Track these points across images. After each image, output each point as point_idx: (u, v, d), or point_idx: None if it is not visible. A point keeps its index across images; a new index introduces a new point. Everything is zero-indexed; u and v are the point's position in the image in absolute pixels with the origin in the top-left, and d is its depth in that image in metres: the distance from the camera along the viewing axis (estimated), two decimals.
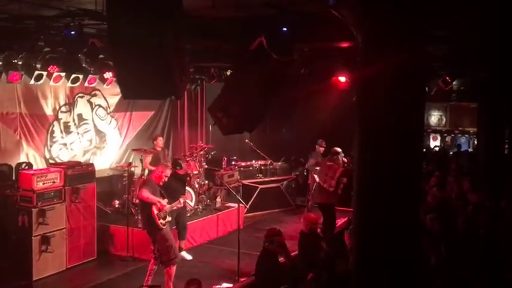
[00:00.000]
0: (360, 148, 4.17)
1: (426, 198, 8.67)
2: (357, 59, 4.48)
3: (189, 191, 9.55)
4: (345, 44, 8.18)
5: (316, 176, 10.93)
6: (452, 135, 17.64)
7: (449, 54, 9.32)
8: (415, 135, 4.11)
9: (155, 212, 7.09)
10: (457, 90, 13.24)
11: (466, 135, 17.36)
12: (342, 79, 11.24)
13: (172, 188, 7.97)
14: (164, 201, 7.24)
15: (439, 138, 17.76)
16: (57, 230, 8.19)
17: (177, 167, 8.57)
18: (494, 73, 10.53)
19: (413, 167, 4.08)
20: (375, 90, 4.01)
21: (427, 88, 10.87)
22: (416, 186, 4.25)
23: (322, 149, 11.24)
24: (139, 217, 8.87)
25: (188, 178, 9.22)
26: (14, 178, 8.86)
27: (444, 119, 17.57)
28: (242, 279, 7.53)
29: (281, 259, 6.40)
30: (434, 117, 17.63)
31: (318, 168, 10.89)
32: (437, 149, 17.13)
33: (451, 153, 15.98)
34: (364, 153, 4.15)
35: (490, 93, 11.13)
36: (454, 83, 11.70)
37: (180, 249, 8.69)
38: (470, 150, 16.50)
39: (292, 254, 7.02)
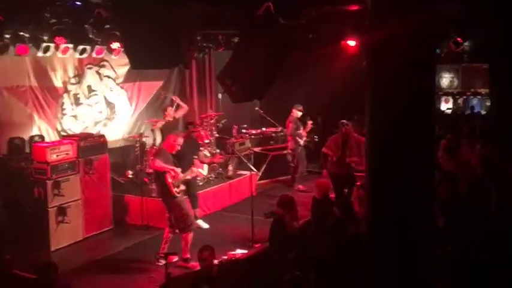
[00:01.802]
0: (371, 112, 4.15)
1: (438, 162, 8.65)
2: (366, 22, 4.41)
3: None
4: (354, 7, 8.03)
5: (299, 140, 11.07)
6: (464, 97, 17.42)
7: (461, 13, 9.11)
8: (427, 98, 4.07)
9: (169, 180, 7.17)
10: (469, 51, 12.97)
11: (479, 97, 17.14)
12: (351, 43, 11.08)
13: (181, 156, 7.97)
14: (178, 170, 7.31)
15: (451, 100, 17.55)
16: (73, 201, 8.33)
17: (189, 126, 8.65)
18: (507, 33, 10.29)
19: (426, 129, 4.05)
20: (385, 53, 3.96)
21: (437, 50, 10.70)
22: (428, 149, 4.23)
23: (300, 114, 11.27)
24: (154, 186, 8.98)
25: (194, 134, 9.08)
26: (27, 151, 8.96)
27: (456, 81, 17.32)
28: (256, 245, 7.64)
29: (295, 224, 6.47)
30: (446, 80, 17.38)
31: (299, 131, 11.03)
32: (449, 111, 16.95)
33: (466, 113, 15.81)
34: (375, 117, 4.13)
35: (502, 53, 10.91)
36: (465, 43, 11.48)
37: (196, 218, 8.80)
38: (483, 112, 16.33)
39: (304, 220, 7.10)
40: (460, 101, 17.51)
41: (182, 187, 7.46)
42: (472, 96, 17.25)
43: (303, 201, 8.05)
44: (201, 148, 10.02)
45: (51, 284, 5.10)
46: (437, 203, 6.09)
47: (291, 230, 6.26)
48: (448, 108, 17.32)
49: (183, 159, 7.95)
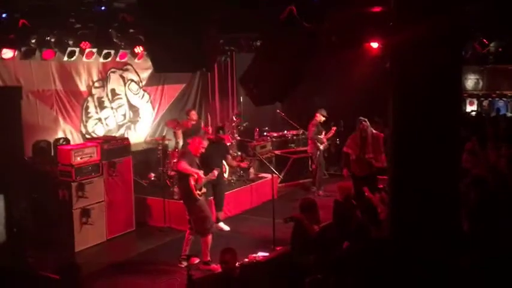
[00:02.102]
0: (395, 115, 4.11)
1: (463, 164, 8.51)
2: (389, 24, 4.37)
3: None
4: (377, 9, 7.96)
5: (319, 144, 10.97)
6: (490, 99, 17.11)
7: (487, 14, 8.96)
8: (453, 100, 4.01)
9: (192, 183, 7.21)
10: (494, 52, 12.74)
11: (504, 99, 16.83)
12: (374, 45, 10.98)
13: (210, 159, 8.09)
14: (201, 173, 7.35)
15: (475, 102, 17.26)
16: (97, 203, 8.43)
17: (220, 131, 8.75)
18: None
19: (451, 132, 4.00)
20: (409, 55, 3.92)
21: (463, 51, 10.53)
22: (453, 152, 4.17)
23: (323, 118, 11.17)
24: (175, 189, 9.05)
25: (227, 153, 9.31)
26: (52, 154, 9.10)
27: (481, 83, 17.03)
28: (278, 248, 7.62)
29: (316, 228, 6.44)
30: (471, 81, 17.09)
31: (320, 136, 10.99)
32: (474, 113, 16.68)
33: (491, 115, 15.53)
34: (398, 119, 4.09)
35: None
36: (491, 44, 11.29)
37: (218, 220, 8.84)
38: (509, 114, 16.03)
39: (326, 223, 7.05)
40: (485, 103, 17.21)
41: (204, 190, 7.49)
42: (497, 98, 16.94)
43: (324, 204, 8.00)
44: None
45: (75, 285, 5.16)
46: (462, 206, 5.99)
47: (311, 233, 6.23)
48: (472, 111, 17.05)
49: (211, 163, 8.04)
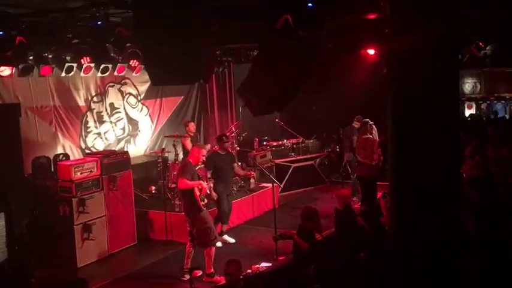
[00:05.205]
0: (394, 120, 4.10)
1: (465, 168, 8.51)
2: (385, 30, 4.38)
3: None
4: (372, 16, 8.00)
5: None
6: (488, 102, 17.15)
7: (483, 17, 8.99)
8: (451, 104, 4.00)
9: (197, 193, 7.19)
10: (491, 55, 12.79)
11: (502, 101, 16.87)
12: (371, 52, 11.01)
13: (221, 170, 8.38)
14: (204, 183, 7.36)
15: (474, 106, 17.30)
16: (98, 218, 8.38)
17: (223, 137, 8.72)
18: None
19: (451, 137, 3.99)
20: (405, 60, 3.91)
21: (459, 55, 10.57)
22: (453, 156, 4.16)
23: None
24: (177, 201, 9.02)
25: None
26: (52, 170, 9.08)
27: (479, 86, 17.08)
28: (281, 258, 7.59)
29: (318, 236, 6.42)
30: (469, 85, 17.14)
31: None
32: (471, 118, 16.72)
33: (490, 118, 15.55)
34: (398, 125, 4.08)
35: None
36: (487, 48, 11.32)
37: (222, 233, 8.78)
38: (507, 116, 16.06)
39: (328, 231, 7.04)
40: (483, 106, 17.25)
41: (206, 200, 7.48)
42: (495, 101, 16.99)
43: (327, 212, 7.99)
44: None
45: None
46: (466, 208, 5.99)
47: (302, 249, 6.19)
48: (471, 115, 17.09)
49: (220, 172, 8.21)
